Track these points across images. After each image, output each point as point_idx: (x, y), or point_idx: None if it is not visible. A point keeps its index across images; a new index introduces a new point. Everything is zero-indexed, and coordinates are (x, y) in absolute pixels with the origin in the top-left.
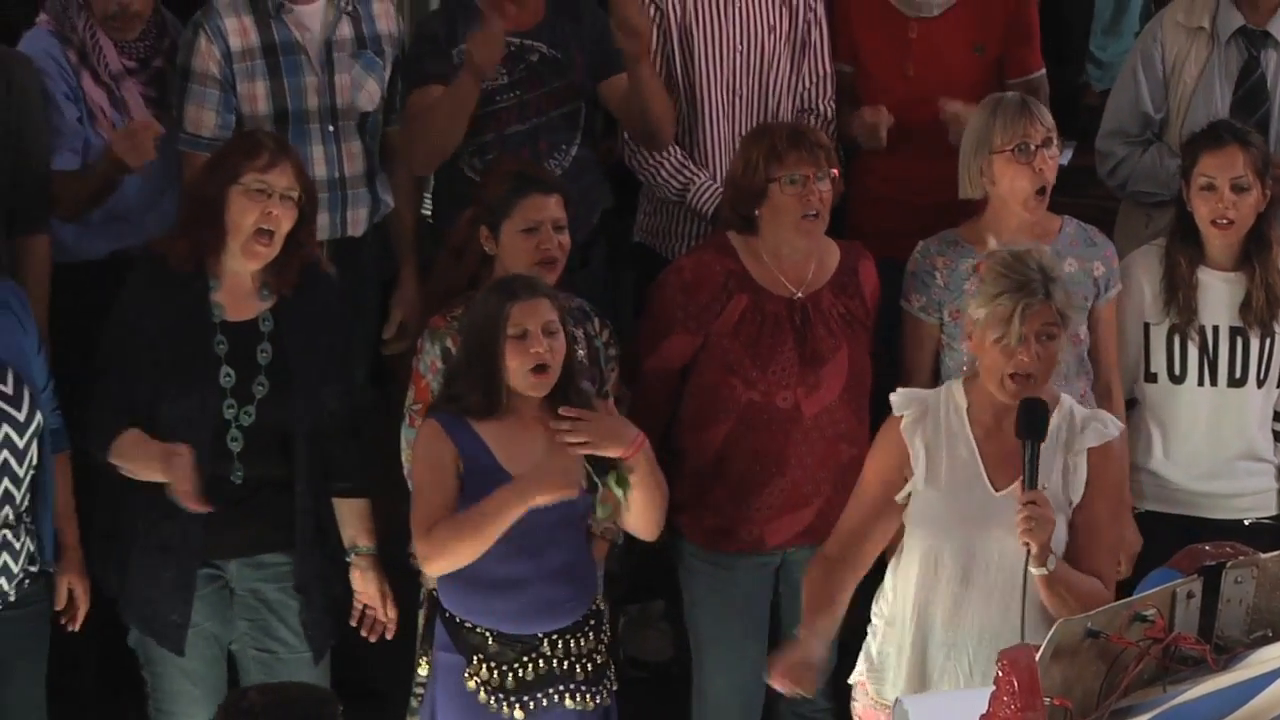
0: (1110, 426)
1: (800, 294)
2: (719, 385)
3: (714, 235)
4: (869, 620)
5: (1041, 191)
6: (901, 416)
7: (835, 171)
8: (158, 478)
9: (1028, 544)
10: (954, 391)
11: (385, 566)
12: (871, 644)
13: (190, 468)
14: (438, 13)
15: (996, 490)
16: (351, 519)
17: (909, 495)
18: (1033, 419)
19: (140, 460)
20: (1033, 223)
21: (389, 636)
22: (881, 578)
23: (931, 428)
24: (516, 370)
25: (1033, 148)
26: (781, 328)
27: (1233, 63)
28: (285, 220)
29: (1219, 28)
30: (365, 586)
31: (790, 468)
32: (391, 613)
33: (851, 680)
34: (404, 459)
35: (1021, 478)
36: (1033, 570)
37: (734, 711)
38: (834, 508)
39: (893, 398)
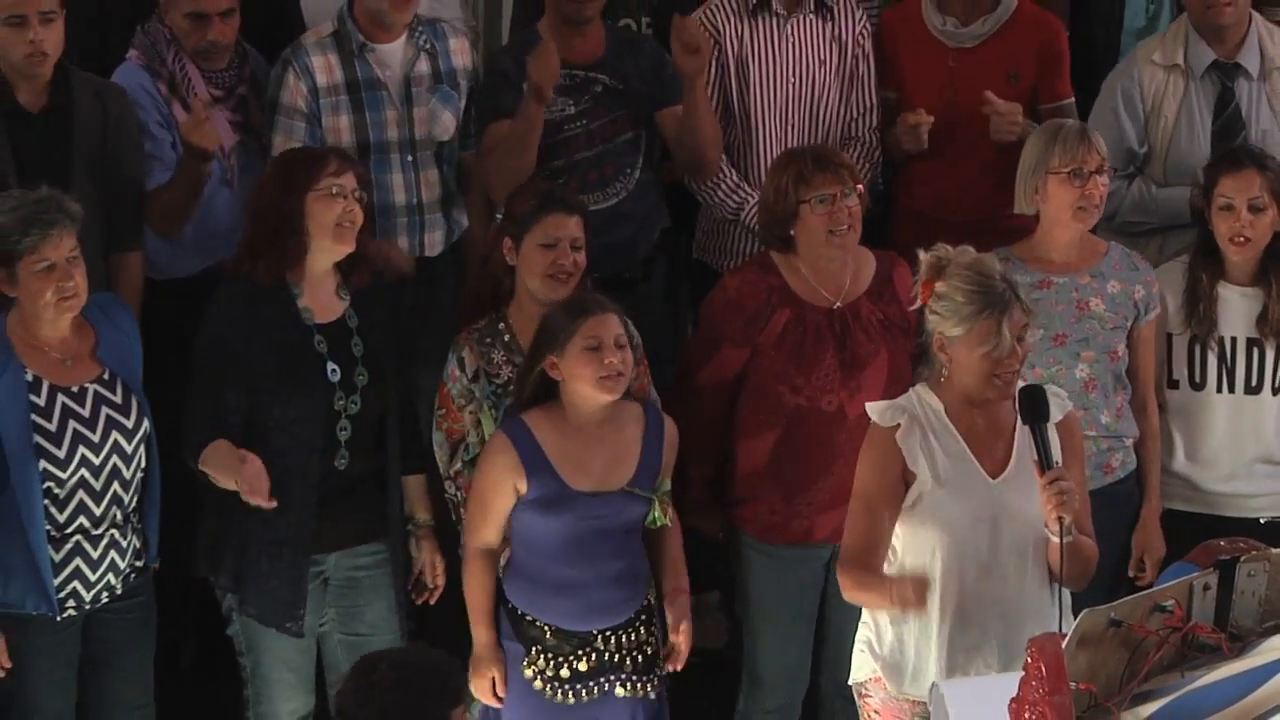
0: (1065, 399)
1: (839, 304)
2: (768, 393)
3: (758, 254)
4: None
5: (1088, 210)
6: (897, 426)
7: (860, 187)
8: (232, 486)
9: (1061, 518)
10: (926, 397)
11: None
12: (875, 643)
13: (261, 474)
14: (506, 49)
15: (993, 479)
16: (413, 493)
17: (917, 498)
18: (1035, 404)
19: (221, 469)
20: (1081, 241)
21: (432, 602)
22: None
23: (920, 433)
24: (589, 379)
25: (1086, 173)
26: (823, 337)
27: (1209, 96)
28: (360, 216)
29: (1192, 64)
30: (422, 555)
31: (837, 466)
32: (440, 580)
33: (857, 680)
34: (438, 459)
35: (1035, 459)
36: (1064, 539)
37: (781, 690)
38: None
39: (873, 410)
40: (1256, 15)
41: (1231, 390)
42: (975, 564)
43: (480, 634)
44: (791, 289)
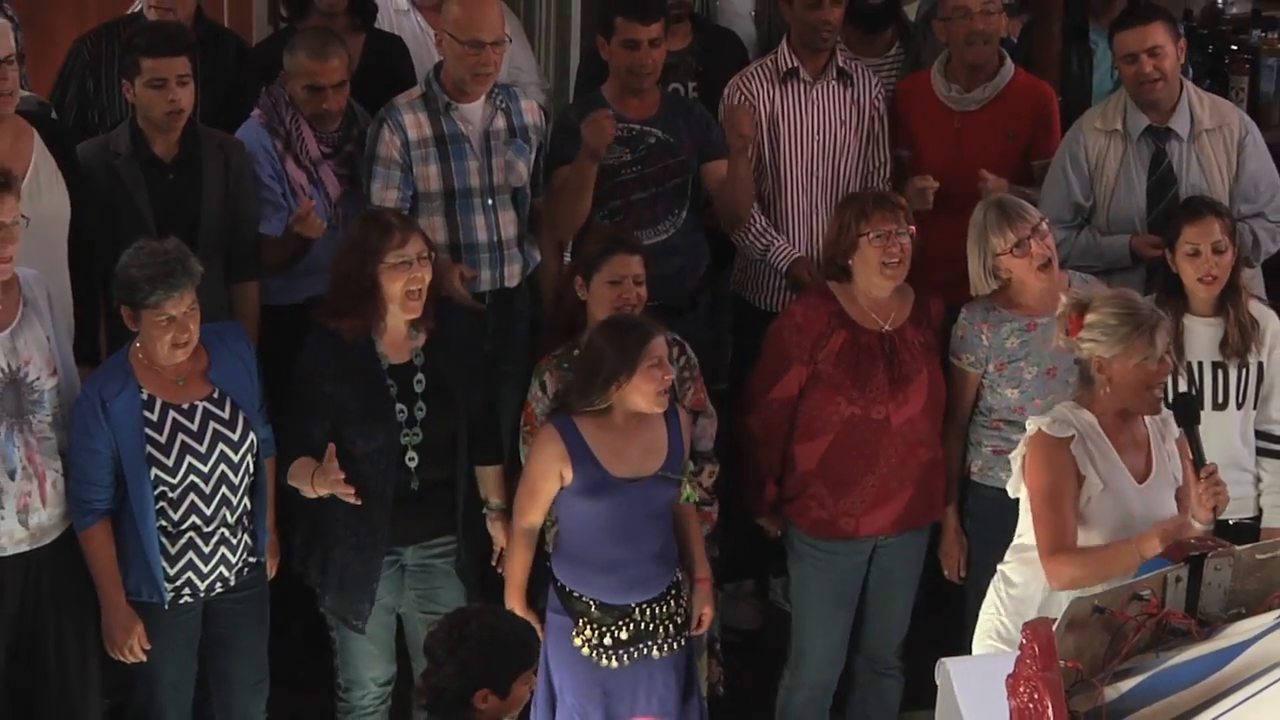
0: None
1: (888, 327)
2: (826, 403)
3: (817, 285)
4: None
5: (1047, 264)
6: (1070, 437)
7: (913, 229)
8: (311, 494)
9: (1218, 508)
10: (1080, 413)
11: None
12: (1005, 634)
13: (337, 474)
14: (572, 107)
15: (1140, 484)
16: (489, 481)
17: (1087, 500)
18: (1190, 411)
19: (303, 480)
20: (1049, 288)
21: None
22: None
23: (1081, 444)
24: (651, 394)
25: (1027, 240)
26: (874, 355)
27: (1144, 156)
28: (427, 277)
29: (1130, 128)
30: (497, 534)
31: (879, 467)
32: None
33: None
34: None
35: (1190, 458)
36: (1207, 527)
37: (824, 667)
38: (914, 504)
39: (1039, 422)
40: (1189, 84)
41: (1201, 408)
42: None
43: (515, 604)
44: (848, 314)
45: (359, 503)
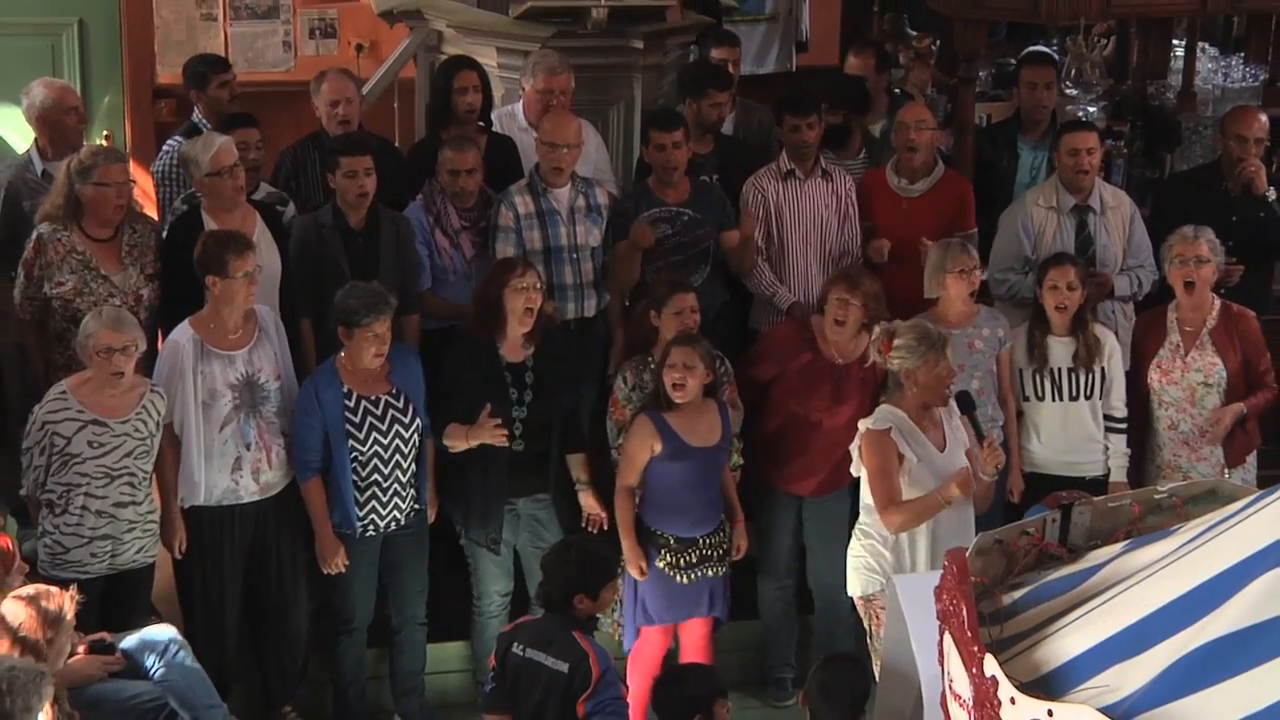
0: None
1: (841, 360)
2: (782, 400)
3: (804, 318)
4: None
5: (971, 294)
6: (889, 428)
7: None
8: (464, 445)
9: (998, 465)
10: (893, 410)
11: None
12: (878, 566)
13: (490, 423)
14: (626, 197)
15: (941, 452)
16: (577, 465)
17: (909, 470)
18: (968, 402)
19: (456, 438)
20: (967, 310)
21: (605, 528)
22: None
23: (899, 432)
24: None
25: (970, 269)
26: (824, 376)
27: (1071, 224)
28: (539, 300)
29: (1061, 205)
30: (587, 501)
31: (810, 452)
32: (602, 513)
33: (868, 593)
34: (609, 436)
35: (973, 434)
36: (991, 479)
37: (780, 573)
38: (829, 478)
39: (867, 422)
40: (1098, 178)
41: (1062, 400)
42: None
43: (628, 542)
44: (816, 343)
45: (505, 442)
